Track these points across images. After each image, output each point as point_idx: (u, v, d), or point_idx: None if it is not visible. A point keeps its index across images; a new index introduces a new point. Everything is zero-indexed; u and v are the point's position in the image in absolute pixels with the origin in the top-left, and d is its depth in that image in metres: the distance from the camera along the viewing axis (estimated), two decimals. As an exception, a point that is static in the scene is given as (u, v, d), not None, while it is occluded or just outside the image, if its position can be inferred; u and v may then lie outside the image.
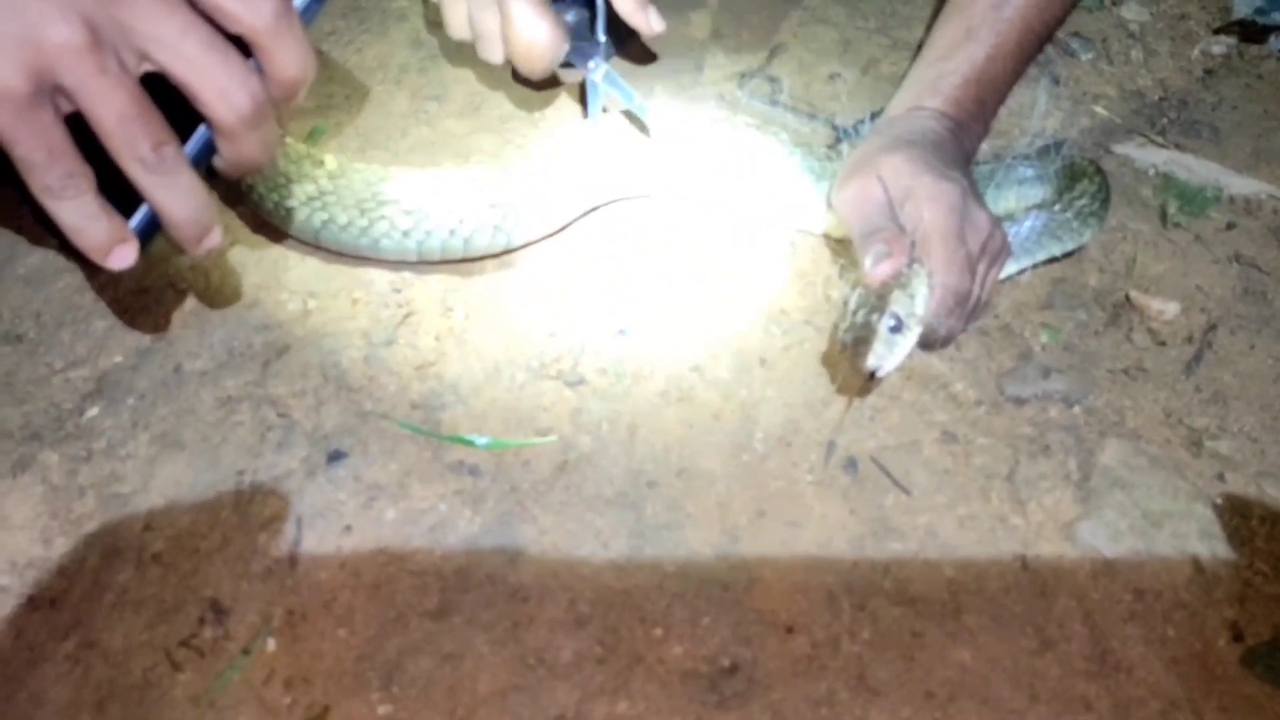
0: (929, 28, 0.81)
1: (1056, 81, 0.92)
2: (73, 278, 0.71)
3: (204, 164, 0.54)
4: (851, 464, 0.65)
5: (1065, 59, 0.94)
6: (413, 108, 0.85)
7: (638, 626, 0.57)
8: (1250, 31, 0.95)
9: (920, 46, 0.81)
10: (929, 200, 0.64)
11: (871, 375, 0.62)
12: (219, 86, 0.50)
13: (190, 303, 0.70)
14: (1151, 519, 0.64)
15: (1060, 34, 0.93)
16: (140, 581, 0.58)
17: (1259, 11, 0.94)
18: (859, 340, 0.61)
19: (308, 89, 0.53)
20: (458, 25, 0.78)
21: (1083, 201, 0.74)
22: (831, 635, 0.57)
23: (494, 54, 0.77)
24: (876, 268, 0.62)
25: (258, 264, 0.73)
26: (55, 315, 0.70)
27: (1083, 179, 0.76)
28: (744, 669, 0.56)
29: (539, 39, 0.73)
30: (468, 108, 0.86)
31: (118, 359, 0.67)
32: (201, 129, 0.52)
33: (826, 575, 0.60)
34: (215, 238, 0.56)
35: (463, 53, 0.86)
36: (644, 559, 0.60)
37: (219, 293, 0.71)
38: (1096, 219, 0.76)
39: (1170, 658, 0.58)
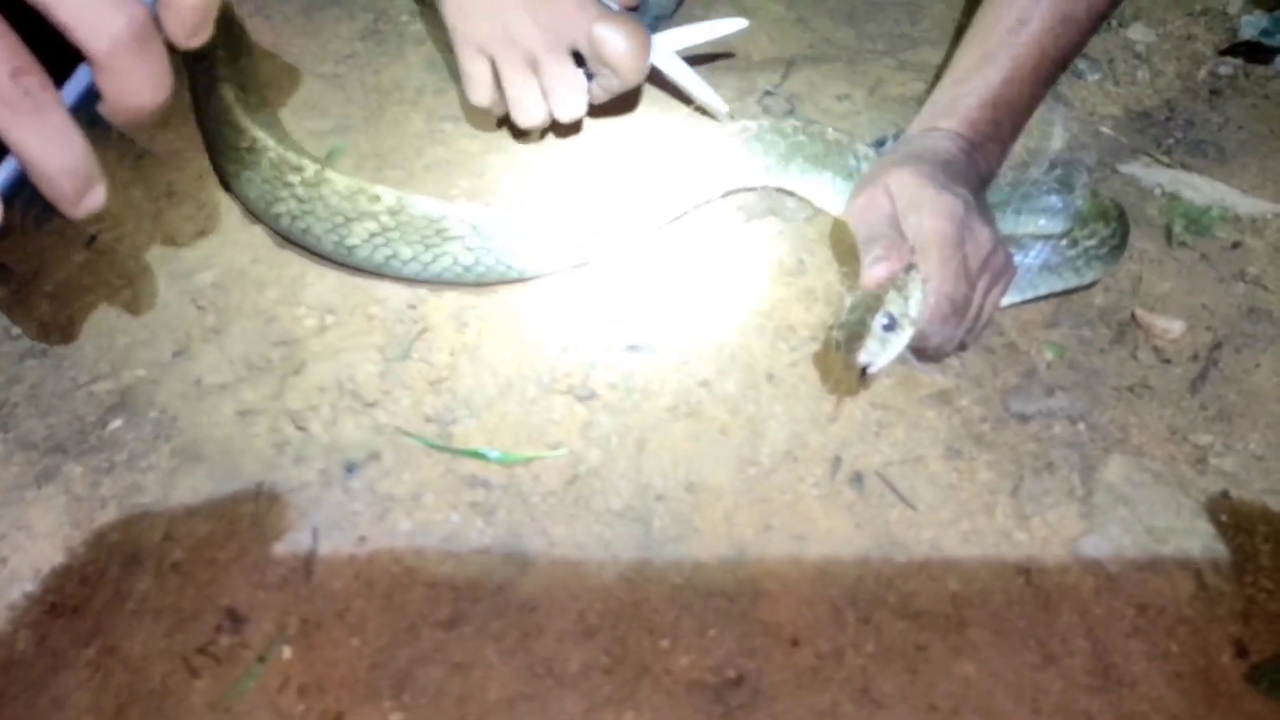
0: (949, 53, 0.82)
1: (1064, 103, 0.93)
2: (95, 294, 0.73)
3: (86, 111, 0.46)
4: (857, 479, 0.66)
5: (1072, 80, 0.96)
6: (428, 128, 0.87)
7: (645, 637, 0.58)
8: (1256, 52, 0.96)
9: (940, 71, 0.82)
10: (930, 210, 0.65)
11: (863, 371, 0.63)
12: (88, 6, 0.42)
13: (210, 318, 0.72)
14: (1155, 535, 0.64)
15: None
16: (160, 590, 0.59)
17: (1264, 33, 0.95)
18: (852, 336, 0.62)
19: (211, 19, 0.46)
20: (481, 90, 0.81)
21: (1092, 243, 0.74)
22: (836, 648, 0.58)
23: (533, 116, 0.80)
24: (872, 269, 0.64)
25: (276, 280, 0.75)
26: (80, 330, 0.71)
27: (1099, 220, 0.76)
28: (749, 680, 0.57)
29: (629, 44, 0.78)
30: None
31: (140, 373, 0.69)
32: (80, 69, 0.45)
33: (832, 588, 0.61)
34: (98, 196, 0.47)
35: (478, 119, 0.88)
36: (652, 571, 0.61)
37: (238, 309, 0.73)
38: (1102, 263, 0.76)
39: (1173, 673, 0.59)
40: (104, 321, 0.72)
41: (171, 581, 0.59)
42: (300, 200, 0.73)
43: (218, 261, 0.76)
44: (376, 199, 0.72)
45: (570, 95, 0.81)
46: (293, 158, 0.74)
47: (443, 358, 0.71)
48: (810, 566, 0.62)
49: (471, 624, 0.58)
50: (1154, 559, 0.63)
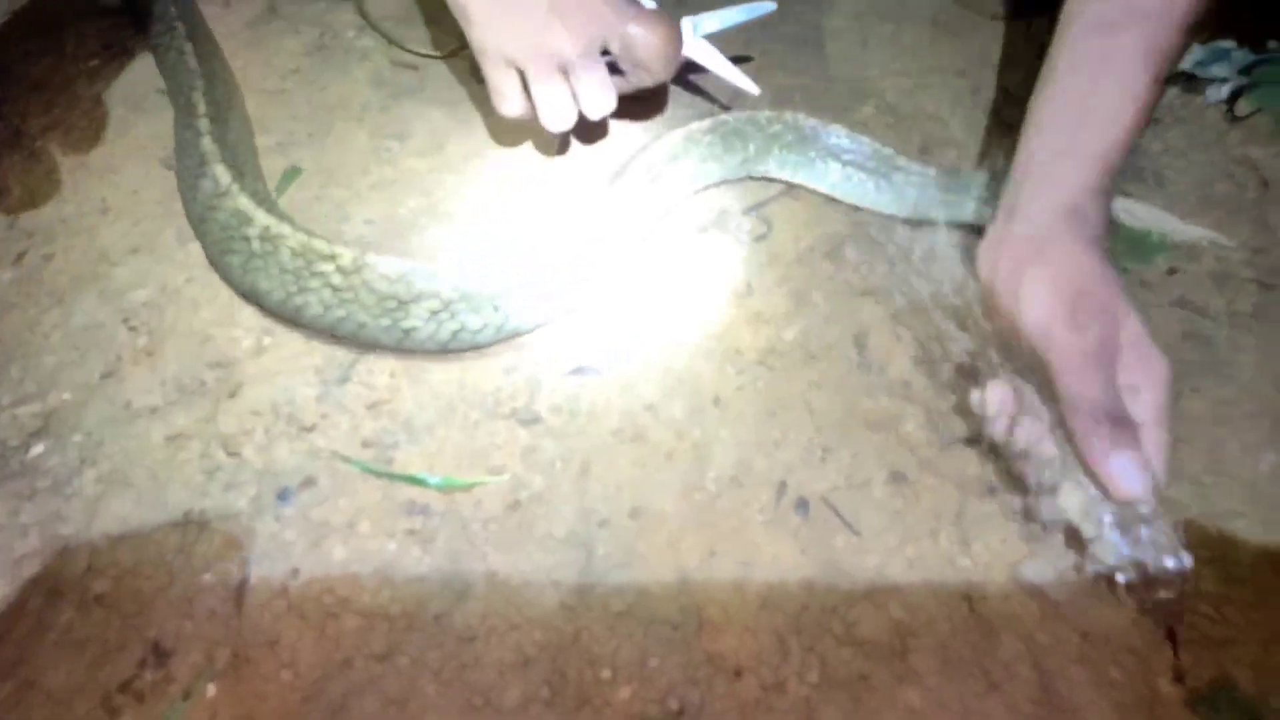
0: (1048, 57, 0.76)
1: (1010, 129, 0.94)
2: (23, 313, 0.71)
3: None
4: (802, 504, 0.65)
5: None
6: (374, 146, 0.86)
7: (586, 668, 0.57)
8: (1193, 82, 0.98)
9: (1038, 89, 0.76)
10: (1157, 379, 0.61)
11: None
12: None
13: (142, 339, 0.70)
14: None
15: (1012, 85, 0.95)
16: (83, 622, 0.57)
17: (1199, 64, 0.97)
18: (1098, 549, 0.59)
19: None
20: (513, 102, 0.79)
21: None
22: (780, 678, 0.57)
23: (564, 120, 0.79)
24: (1133, 487, 0.57)
25: (212, 300, 0.73)
26: (5, 351, 0.69)
27: None
28: (691, 712, 0.56)
29: (662, 42, 0.79)
30: (429, 146, 0.86)
31: (66, 396, 0.67)
32: None
33: (776, 616, 0.60)
34: None
35: (508, 130, 0.87)
36: (593, 599, 0.60)
37: (172, 329, 0.71)
38: None
39: (1117, 701, 0.59)
40: (31, 341, 0.70)
41: (95, 614, 0.57)
42: (336, 289, 0.68)
43: (151, 280, 0.74)
44: (433, 276, 0.67)
45: (600, 94, 0.80)
46: (322, 246, 0.68)
47: (383, 380, 0.69)
48: (754, 594, 0.61)
49: (407, 655, 0.57)
50: (1096, 585, 0.63)
